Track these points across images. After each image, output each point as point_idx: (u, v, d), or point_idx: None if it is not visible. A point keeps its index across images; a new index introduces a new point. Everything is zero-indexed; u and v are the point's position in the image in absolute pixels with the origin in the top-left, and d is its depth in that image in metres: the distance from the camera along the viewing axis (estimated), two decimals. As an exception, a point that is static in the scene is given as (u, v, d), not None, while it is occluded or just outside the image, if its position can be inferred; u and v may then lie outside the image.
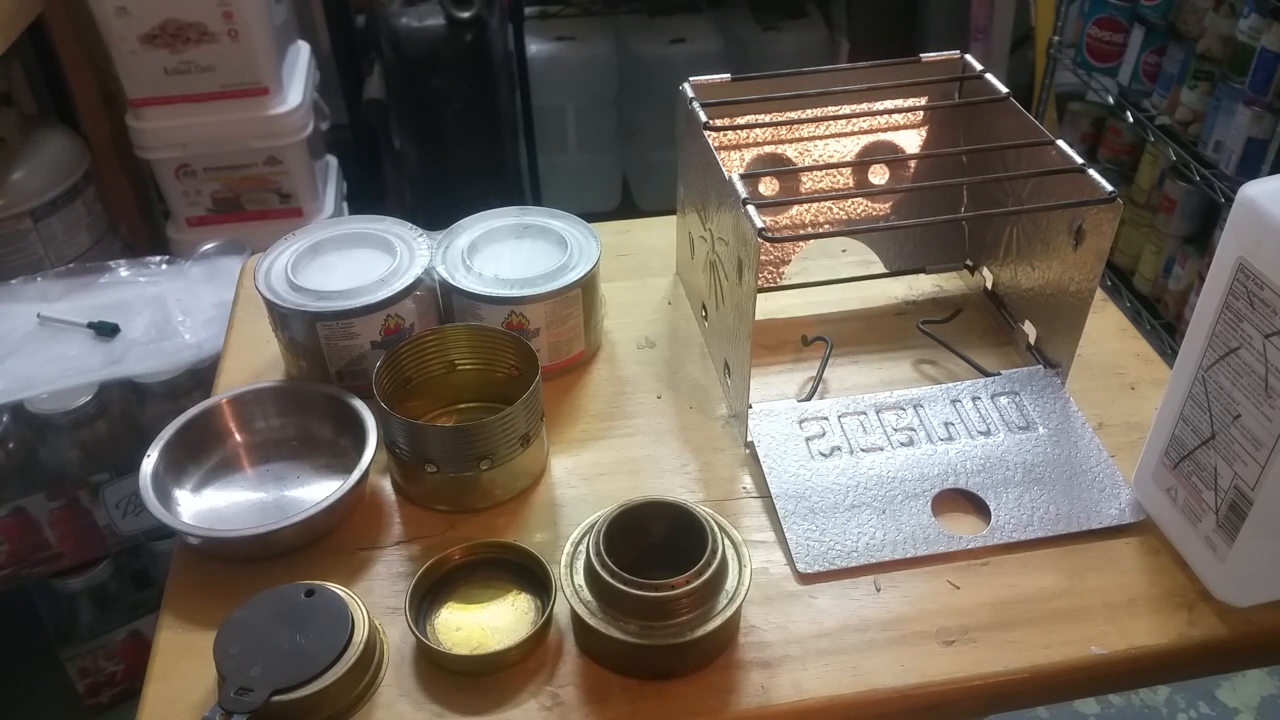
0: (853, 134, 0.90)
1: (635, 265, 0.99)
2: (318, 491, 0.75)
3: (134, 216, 1.86)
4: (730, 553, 0.64)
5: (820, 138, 0.90)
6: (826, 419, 0.78)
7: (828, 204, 0.92)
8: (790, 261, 0.94)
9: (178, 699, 0.62)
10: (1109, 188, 0.72)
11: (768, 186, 0.90)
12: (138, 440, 0.82)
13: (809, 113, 0.88)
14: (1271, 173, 1.40)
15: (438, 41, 1.94)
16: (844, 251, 0.98)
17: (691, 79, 0.86)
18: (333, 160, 1.93)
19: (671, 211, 0.97)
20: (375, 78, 2.12)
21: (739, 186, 0.72)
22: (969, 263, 0.95)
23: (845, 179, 0.91)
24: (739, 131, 0.88)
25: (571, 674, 0.63)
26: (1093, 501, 0.72)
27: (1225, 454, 0.63)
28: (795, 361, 0.87)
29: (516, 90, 2.11)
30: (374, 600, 0.68)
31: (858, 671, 0.63)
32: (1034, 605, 0.66)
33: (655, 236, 1.02)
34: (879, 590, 0.68)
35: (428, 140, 2.06)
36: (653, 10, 2.36)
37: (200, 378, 1.22)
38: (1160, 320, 1.99)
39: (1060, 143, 0.77)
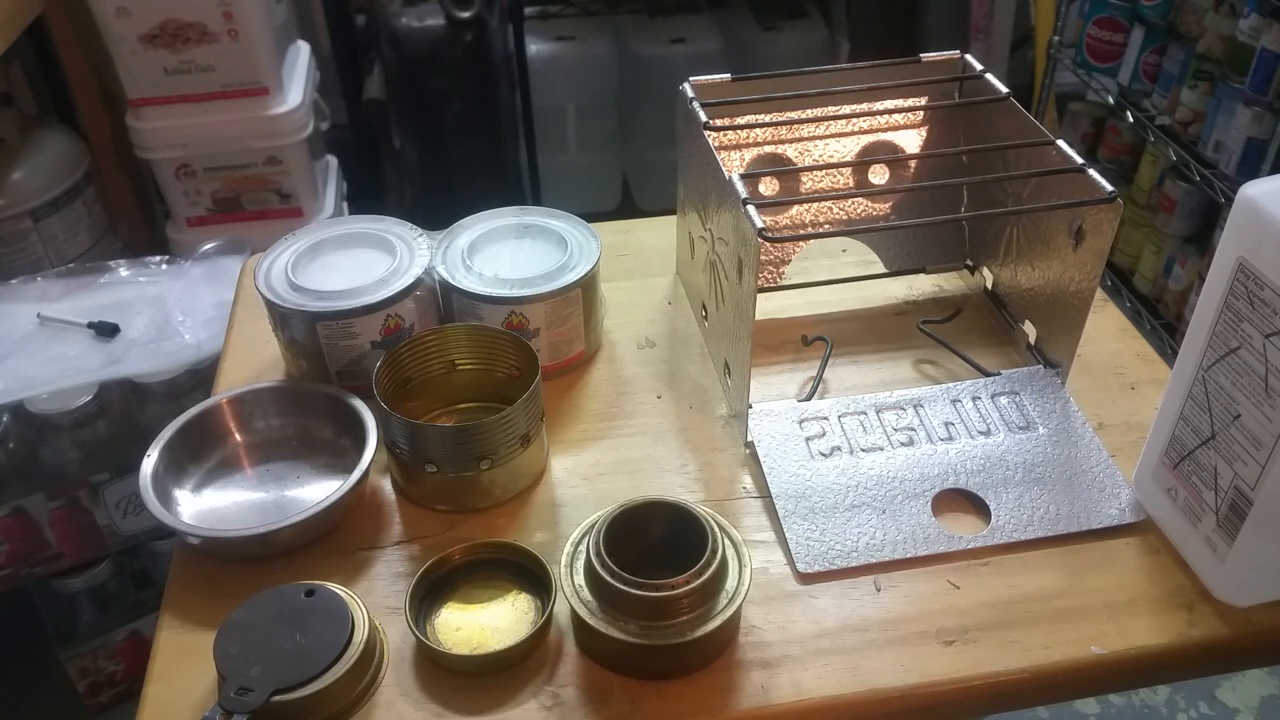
0: (853, 134, 0.90)
1: (635, 265, 0.99)
2: (318, 491, 0.75)
3: (134, 216, 1.86)
4: (730, 553, 0.64)
5: (820, 138, 0.90)
6: (826, 419, 0.78)
7: (828, 204, 0.92)
8: (790, 261, 0.94)
9: (178, 699, 0.62)
10: (1109, 188, 0.72)
11: (768, 186, 0.90)
12: (138, 440, 0.81)
13: (809, 113, 0.88)
14: (1271, 173, 1.40)
15: (438, 41, 1.94)
16: (844, 251, 0.98)
17: (691, 79, 0.86)
18: (333, 160, 1.93)
19: (671, 211, 0.97)
20: (375, 78, 2.12)
21: (739, 186, 0.72)
22: (969, 263, 0.95)
23: (845, 179, 0.91)
24: (739, 131, 0.88)
25: (571, 674, 0.63)
26: (1093, 501, 0.72)
27: (1225, 454, 0.63)
28: (795, 361, 0.87)
29: (516, 90, 2.11)
30: (374, 600, 0.68)
31: (858, 671, 0.63)
32: (1034, 605, 0.66)
33: (655, 236, 1.02)
34: (879, 590, 0.68)
35: (428, 140, 2.06)
36: (653, 10, 2.36)
37: (200, 378, 1.22)
38: (1160, 320, 1.99)
39: (1060, 143, 0.77)
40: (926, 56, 0.89)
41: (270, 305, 0.80)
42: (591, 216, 0.89)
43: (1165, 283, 1.98)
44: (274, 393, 0.80)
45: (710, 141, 0.78)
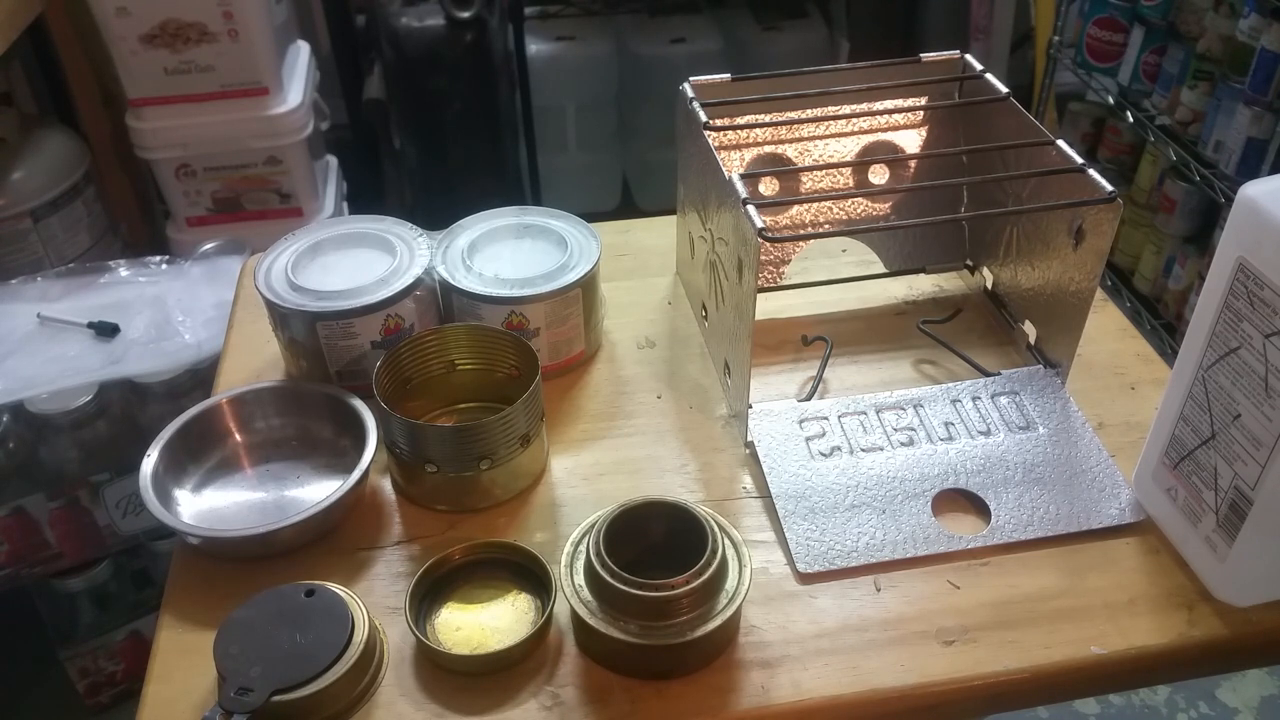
0: (853, 134, 0.90)
1: (635, 265, 0.99)
2: (318, 491, 0.75)
3: (134, 216, 1.86)
4: (730, 553, 0.64)
5: (820, 138, 0.90)
6: (826, 419, 0.78)
7: (828, 204, 0.92)
8: (790, 261, 0.94)
9: (178, 699, 0.62)
10: (1109, 187, 0.72)
11: (768, 186, 0.90)
12: (138, 440, 0.81)
13: (809, 113, 0.88)
14: (1271, 173, 1.40)
15: (438, 41, 1.94)
16: (844, 251, 0.98)
17: (691, 79, 0.86)
18: (333, 160, 1.94)
19: (671, 211, 0.97)
20: (375, 78, 2.12)
21: (739, 186, 0.72)
22: (969, 263, 0.95)
23: (845, 179, 0.91)
24: (739, 131, 0.88)
25: (571, 674, 0.63)
26: (1093, 501, 0.72)
27: (1225, 454, 0.63)
28: (795, 361, 0.87)
29: (516, 90, 2.11)
30: (374, 600, 0.68)
31: (858, 671, 0.63)
32: (1034, 605, 0.66)
33: (655, 236, 1.02)
34: (879, 590, 0.68)
35: (428, 140, 2.06)
36: (653, 10, 2.36)
37: (200, 378, 1.22)
38: (1160, 320, 1.99)
39: (1060, 143, 0.77)
40: (926, 56, 0.89)
41: (270, 305, 0.80)
42: (591, 216, 0.89)
43: (1165, 283, 1.98)
44: (274, 393, 0.80)
45: (710, 141, 0.78)
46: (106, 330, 1.24)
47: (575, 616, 0.63)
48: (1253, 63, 1.62)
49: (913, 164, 0.92)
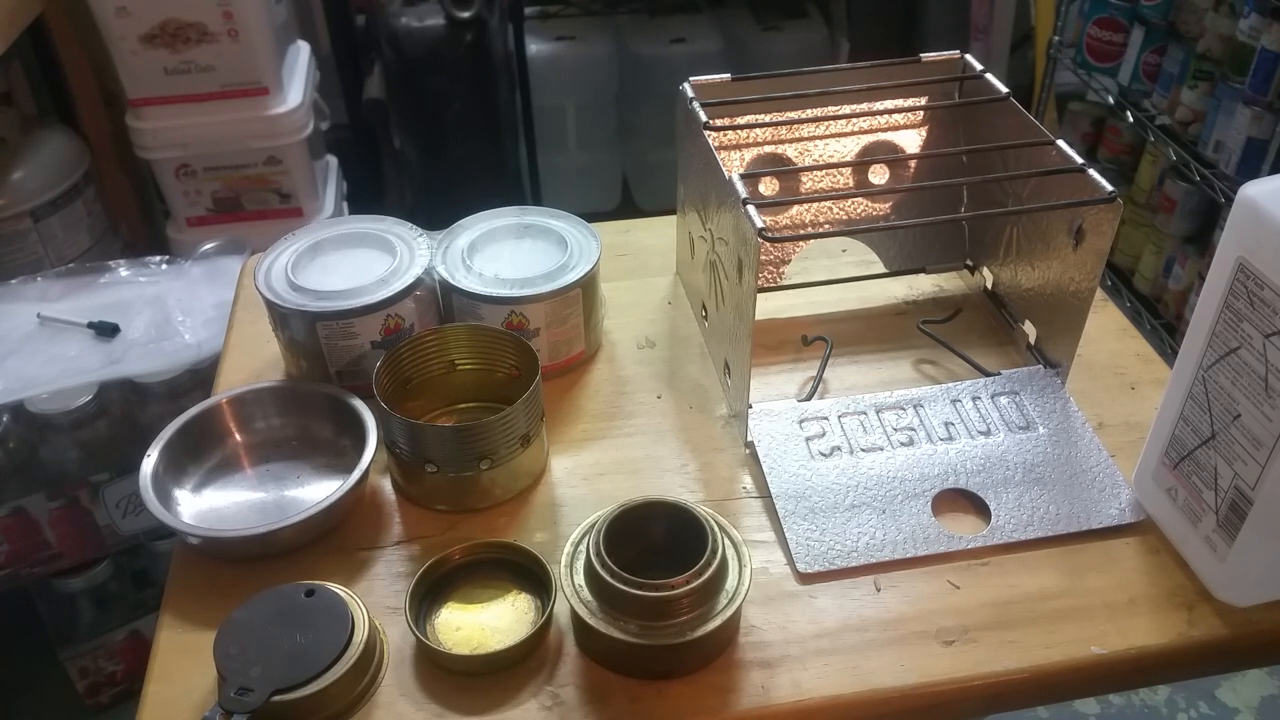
0: (853, 134, 0.90)
1: (635, 265, 0.99)
2: (318, 491, 0.75)
3: (134, 216, 1.86)
4: (730, 553, 0.64)
5: (820, 138, 0.90)
6: (826, 419, 0.78)
7: (828, 204, 0.92)
8: (790, 261, 0.94)
9: (178, 699, 0.62)
10: (1109, 187, 0.72)
11: (768, 186, 0.90)
12: (138, 440, 0.82)
13: (809, 113, 0.88)
14: (1271, 173, 1.40)
15: (438, 41, 1.94)
16: (844, 251, 0.98)
17: (691, 79, 0.86)
18: (333, 160, 1.93)
19: (671, 211, 0.97)
20: (375, 78, 2.12)
21: (739, 186, 0.72)
22: (969, 263, 0.95)
23: (845, 179, 0.91)
24: (739, 131, 0.88)
25: (571, 674, 0.63)
26: (1093, 501, 0.72)
27: (1225, 454, 0.63)
28: (795, 361, 0.87)
29: (516, 90, 2.11)
30: (374, 600, 0.68)
31: (858, 671, 0.63)
32: (1034, 605, 0.66)
33: (655, 236, 1.02)
34: (879, 590, 0.68)
35: (428, 140, 2.06)
36: (653, 10, 2.36)
37: (200, 378, 1.22)
38: (1160, 320, 1.99)
39: (1060, 143, 0.77)
40: (926, 56, 0.89)
41: (270, 305, 0.80)
42: (591, 216, 0.89)
43: (1165, 283, 1.98)
44: (274, 393, 0.80)
45: (710, 141, 0.78)
46: (106, 330, 1.24)
47: (575, 616, 0.63)
48: (1253, 63, 1.62)
49: (913, 164, 0.92)
